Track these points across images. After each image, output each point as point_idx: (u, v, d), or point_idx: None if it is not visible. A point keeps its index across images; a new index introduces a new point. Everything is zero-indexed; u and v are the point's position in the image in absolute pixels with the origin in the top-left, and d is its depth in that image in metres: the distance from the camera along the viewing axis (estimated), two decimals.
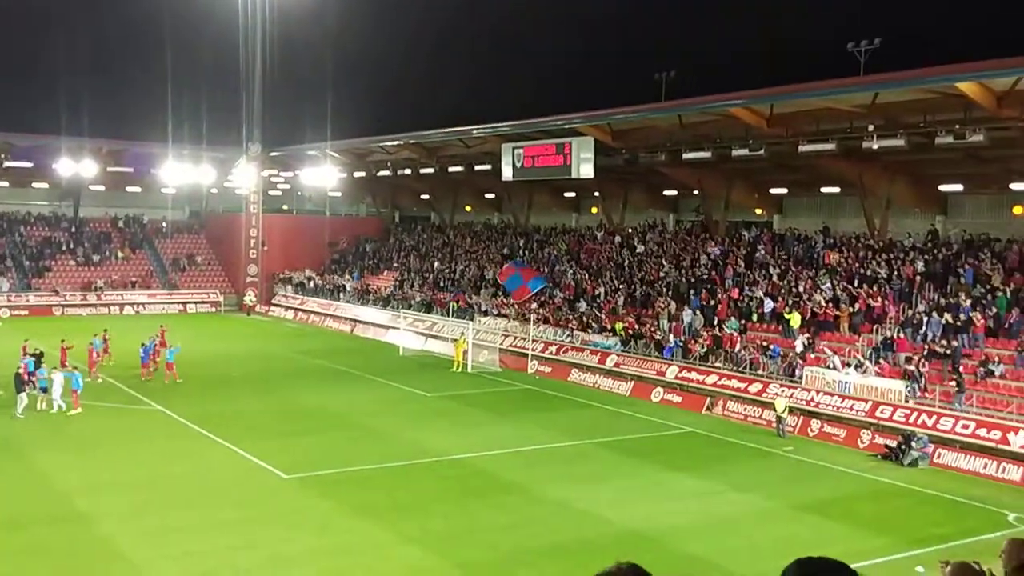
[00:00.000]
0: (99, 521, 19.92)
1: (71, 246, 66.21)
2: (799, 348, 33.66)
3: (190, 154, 63.96)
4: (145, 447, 26.57)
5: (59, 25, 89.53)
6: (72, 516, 20.22)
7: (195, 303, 65.34)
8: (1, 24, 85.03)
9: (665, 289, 42.44)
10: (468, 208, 67.41)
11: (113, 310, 61.82)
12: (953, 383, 28.77)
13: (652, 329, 39.60)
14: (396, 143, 57.74)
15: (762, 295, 38.04)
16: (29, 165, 61.45)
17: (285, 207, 77.65)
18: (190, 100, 65.58)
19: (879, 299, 34.53)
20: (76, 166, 60.44)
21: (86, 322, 54.98)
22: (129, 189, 70.04)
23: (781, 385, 32.28)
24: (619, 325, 40.45)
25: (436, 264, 59.45)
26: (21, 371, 30.79)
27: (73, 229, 68.01)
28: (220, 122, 65.78)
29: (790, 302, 36.67)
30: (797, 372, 32.55)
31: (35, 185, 67.04)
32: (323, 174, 63.91)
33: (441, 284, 55.64)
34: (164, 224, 71.63)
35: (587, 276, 47.39)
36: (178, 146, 62.29)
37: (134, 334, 40.78)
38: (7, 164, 60.50)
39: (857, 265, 37.62)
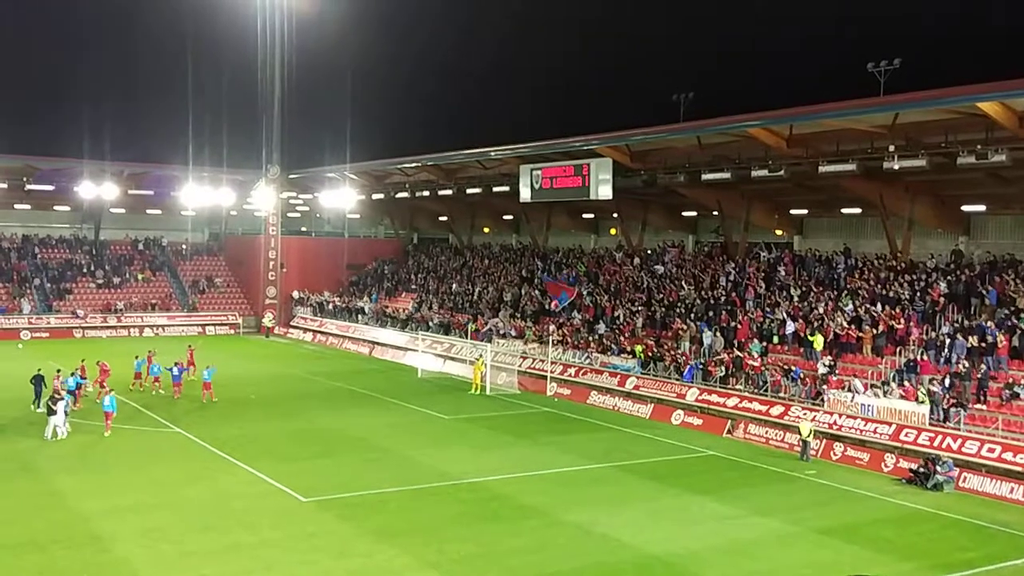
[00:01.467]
0: (116, 543, 19.84)
1: (92, 268, 66.66)
2: (821, 370, 33.30)
3: (210, 177, 64.45)
4: (163, 469, 26.51)
5: (82, 51, 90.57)
6: (89, 538, 20.15)
7: (214, 325, 65.53)
8: (25, 50, 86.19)
9: (684, 311, 42.16)
10: (486, 230, 67.46)
11: (133, 332, 62.08)
12: (978, 405, 28.35)
13: (672, 351, 39.32)
14: (414, 165, 57.91)
15: (783, 317, 37.72)
16: (51, 188, 62.01)
17: (304, 229, 77.98)
18: (210, 123, 65.96)
19: (902, 321, 34.16)
20: (97, 189, 60.95)
21: (106, 344, 55.29)
22: (150, 212, 70.62)
23: (803, 408, 31.92)
24: (638, 347, 40.18)
25: (454, 286, 59.40)
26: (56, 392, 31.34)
27: (94, 251, 68.54)
28: (240, 145, 66.34)
29: (812, 324, 36.32)
30: (820, 395, 32.16)
31: (57, 208, 67.66)
32: (341, 196, 64.22)
33: (459, 306, 55.57)
34: (184, 246, 72.05)
35: (606, 298, 47.19)
36: (198, 169, 62.82)
37: (159, 356, 40.85)
38: (29, 187, 61.07)
39: (879, 286, 37.26)
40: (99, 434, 30.41)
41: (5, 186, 60.56)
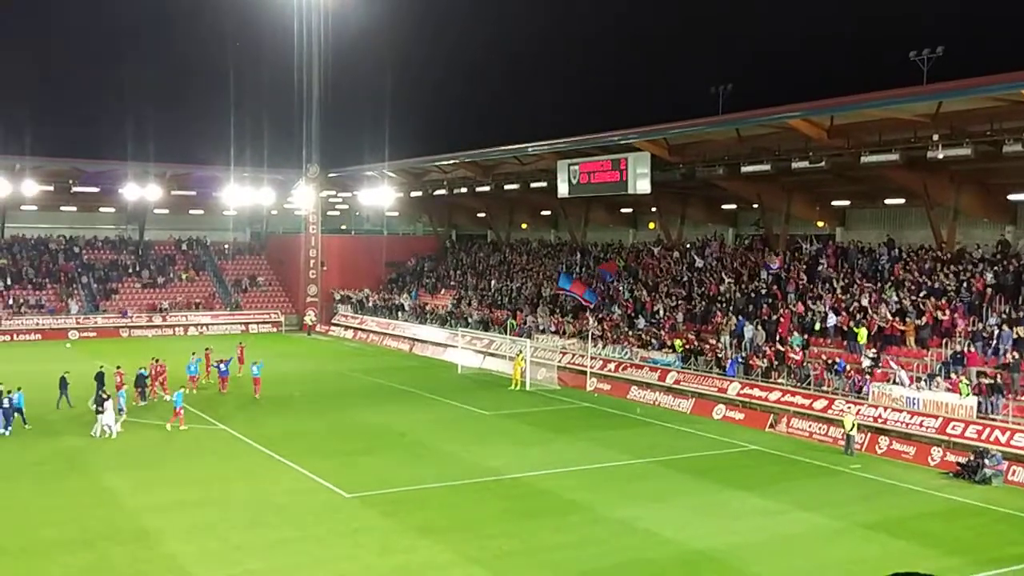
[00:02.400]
0: (164, 539, 20.19)
1: (137, 269, 67.73)
2: (865, 363, 32.91)
3: (251, 177, 65.23)
4: (209, 466, 26.91)
5: (125, 55, 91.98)
6: (138, 534, 20.53)
7: (257, 323, 66.28)
8: (70, 55, 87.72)
9: (725, 304, 41.88)
10: (524, 226, 67.47)
11: (178, 331, 62.99)
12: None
13: (713, 345, 39.07)
14: (452, 162, 58.08)
15: (826, 309, 37.31)
16: (96, 190, 63.14)
17: (343, 227, 78.57)
18: (251, 124, 66.83)
19: (947, 312, 33.64)
20: (141, 190, 61.94)
21: (152, 343, 56.16)
22: (192, 212, 71.58)
23: (847, 401, 31.58)
24: (678, 342, 40.00)
25: (493, 282, 59.51)
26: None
27: (139, 252, 69.62)
28: (280, 145, 67.06)
29: (855, 316, 35.90)
30: (864, 388, 31.79)
31: (102, 209, 68.80)
32: (380, 194, 64.63)
33: (498, 302, 55.67)
34: (226, 246, 72.95)
35: (645, 292, 46.99)
36: (239, 169, 63.65)
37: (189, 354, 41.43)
38: (75, 189, 62.19)
39: (924, 277, 36.72)
40: (147, 431, 30.94)
41: (52, 189, 61.68)
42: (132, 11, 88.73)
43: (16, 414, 31.04)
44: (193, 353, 40.92)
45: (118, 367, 35.44)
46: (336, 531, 21.00)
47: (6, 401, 30.70)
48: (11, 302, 60.62)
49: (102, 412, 30.01)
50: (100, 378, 34.73)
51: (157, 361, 38.03)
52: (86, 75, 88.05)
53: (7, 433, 30.30)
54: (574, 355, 43.68)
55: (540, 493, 24.38)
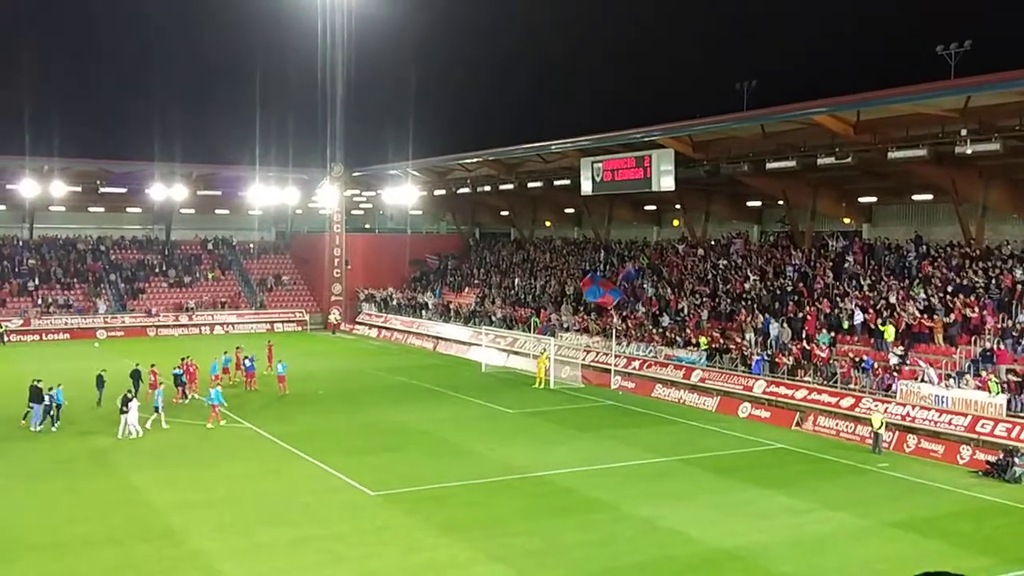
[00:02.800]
0: (190, 537, 20.32)
1: (163, 268, 68.29)
2: (893, 361, 32.57)
3: (276, 176, 65.60)
4: (234, 464, 27.07)
5: (152, 57, 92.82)
6: (164, 532, 20.68)
7: (282, 322, 66.64)
8: (97, 57, 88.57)
9: (750, 302, 41.61)
10: (548, 223, 67.39)
11: (204, 330, 63.43)
12: None
13: (739, 343, 38.82)
14: (475, 160, 58.10)
15: (852, 307, 36.97)
16: (123, 191, 63.74)
17: (367, 226, 78.82)
18: (276, 124, 67.25)
19: (976, 309, 33.23)
20: (168, 190, 62.46)
21: (178, 342, 56.59)
22: (218, 212, 72.09)
23: (875, 399, 31.27)
24: (703, 339, 39.79)
25: (517, 280, 59.47)
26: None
27: (165, 251, 70.19)
28: (304, 144, 67.41)
29: (883, 314, 35.54)
30: (893, 386, 31.46)
31: (129, 210, 69.42)
32: (404, 193, 64.79)
33: (522, 300, 55.62)
34: (251, 245, 73.39)
35: (670, 290, 46.78)
36: (264, 169, 64.03)
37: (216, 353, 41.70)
38: (103, 190, 62.78)
39: (952, 274, 36.31)
40: (174, 430, 31.18)
41: (79, 189, 62.31)
42: (159, 13, 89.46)
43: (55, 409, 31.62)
44: (225, 352, 41.38)
45: (152, 366, 35.88)
46: (360, 529, 21.05)
47: (47, 398, 31.15)
48: (40, 302, 61.30)
49: (126, 412, 30.13)
50: (136, 376, 35.33)
51: (186, 360, 38.26)
52: (113, 77, 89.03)
53: (54, 429, 30.90)
54: (598, 353, 43.56)
55: (564, 491, 24.31)
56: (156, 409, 31.57)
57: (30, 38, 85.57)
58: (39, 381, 31.70)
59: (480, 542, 20.10)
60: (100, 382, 34.99)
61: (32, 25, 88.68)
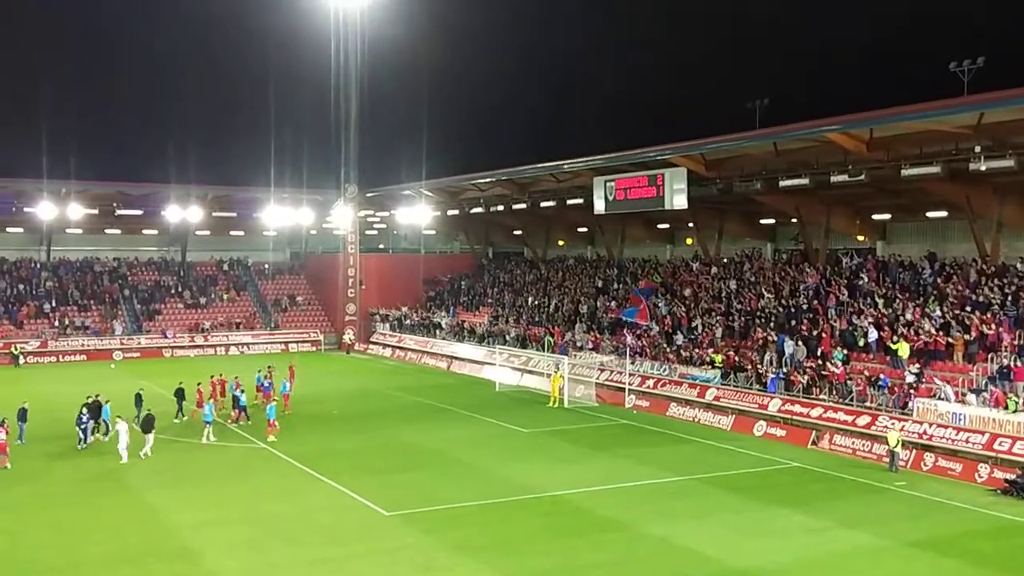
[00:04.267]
0: (206, 556, 20.36)
1: (179, 289, 68.69)
2: (909, 379, 32.41)
3: (290, 197, 66.05)
4: (250, 484, 27.12)
5: (166, 80, 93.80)
6: (180, 551, 20.73)
7: (296, 342, 66.86)
8: (113, 82, 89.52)
9: (765, 320, 41.49)
10: (561, 242, 67.47)
11: (219, 351, 63.67)
12: None
13: (753, 360, 38.70)
14: (488, 180, 58.31)
15: (867, 324, 36.82)
16: (140, 213, 64.30)
17: (381, 246, 79.11)
18: (290, 145, 67.81)
19: (993, 326, 33.05)
20: (183, 212, 62.95)
21: (194, 363, 56.81)
22: (233, 233, 72.55)
23: (891, 418, 31.09)
24: (718, 357, 39.68)
25: (530, 299, 59.51)
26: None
27: (181, 273, 70.62)
28: (318, 165, 67.90)
29: (898, 331, 35.39)
30: (909, 404, 31.27)
31: (145, 232, 69.92)
32: (417, 213, 65.04)
33: (535, 319, 55.63)
34: (266, 266, 73.78)
35: (683, 308, 46.71)
36: (279, 190, 64.49)
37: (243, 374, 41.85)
38: (120, 212, 63.34)
39: (968, 291, 36.14)
40: (190, 449, 31.30)
41: (96, 212, 62.83)
42: (174, 39, 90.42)
43: (104, 423, 32.64)
44: (259, 370, 41.74)
45: (199, 383, 36.67)
46: (376, 549, 21.05)
47: (105, 411, 32.57)
48: (57, 323, 61.70)
49: (151, 431, 30.50)
50: (180, 394, 36.44)
51: (216, 377, 38.99)
52: (129, 100, 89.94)
53: (105, 439, 31.89)
54: (612, 372, 43.50)
55: (579, 511, 24.25)
56: (206, 423, 32.65)
57: (48, 63, 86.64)
58: (96, 396, 33.10)
59: (495, 562, 20.06)
60: (139, 401, 35.27)
61: (49, 50, 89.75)
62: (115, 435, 30.30)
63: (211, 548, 20.94)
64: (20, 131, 76.06)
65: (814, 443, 32.68)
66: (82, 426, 31.39)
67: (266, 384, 40.13)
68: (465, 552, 20.73)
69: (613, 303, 51.38)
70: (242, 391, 37.16)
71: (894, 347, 34.36)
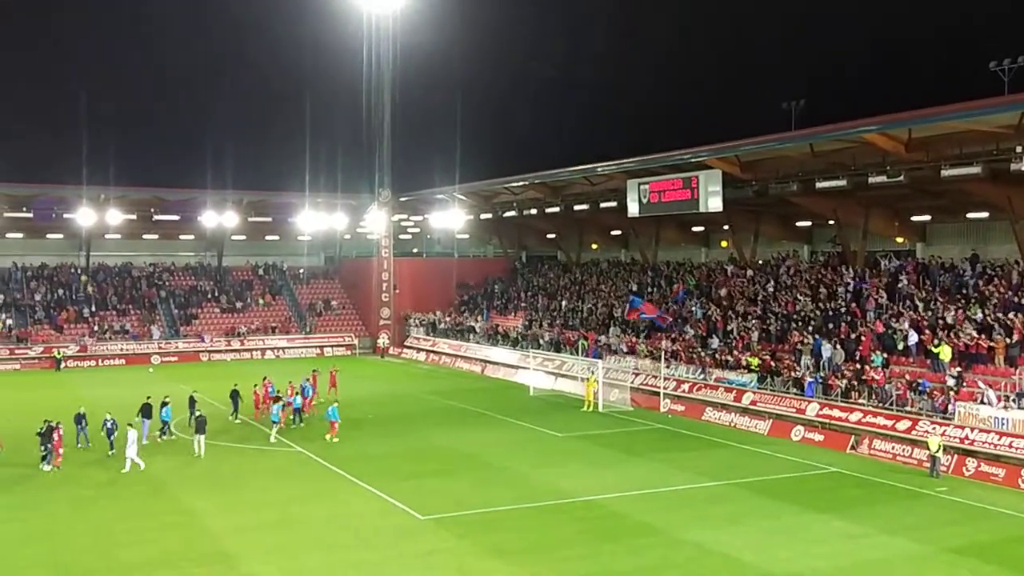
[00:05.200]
0: (243, 560, 20.46)
1: (215, 294, 69.37)
2: (950, 382, 31.89)
3: (325, 202, 66.47)
4: (286, 488, 27.24)
5: (202, 87, 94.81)
6: (218, 555, 20.85)
7: (331, 346, 67.24)
8: (151, 90, 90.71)
9: (802, 323, 41.04)
10: (594, 246, 67.29)
11: (255, 355, 64.17)
12: None
13: (791, 363, 38.29)
14: (521, 183, 58.29)
15: (907, 328, 36.29)
16: (177, 218, 64.98)
17: (415, 250, 79.38)
18: (324, 150, 68.27)
19: None
20: (220, 217, 63.57)
21: (231, 367, 57.33)
22: (268, 238, 73.16)
23: (932, 422, 30.61)
24: (754, 360, 39.30)
25: (564, 303, 59.39)
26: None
27: (218, 278, 71.30)
28: (352, 170, 68.30)
29: (939, 334, 34.84)
30: (950, 408, 30.77)
31: (182, 237, 70.73)
32: (451, 217, 65.20)
33: (569, 323, 55.49)
34: (301, 270, 74.31)
35: (718, 311, 46.34)
36: (314, 195, 64.91)
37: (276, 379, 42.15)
38: (157, 218, 64.05)
39: (1010, 293, 35.50)
40: (228, 453, 31.54)
41: (134, 217, 63.63)
42: (210, 46, 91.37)
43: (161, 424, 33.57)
44: (307, 377, 41.86)
45: (255, 385, 37.97)
46: (410, 553, 21.04)
47: (165, 412, 33.64)
48: (96, 328, 62.54)
49: (203, 432, 31.29)
50: (235, 396, 37.55)
51: (265, 380, 39.79)
52: (167, 107, 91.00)
53: (162, 439, 33.23)
54: (647, 376, 43.24)
55: (614, 515, 24.10)
56: (275, 423, 33.85)
57: (87, 71, 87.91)
58: (149, 398, 33.86)
59: (530, 567, 19.98)
60: (192, 403, 35.69)
61: (88, 58, 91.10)
62: (123, 440, 29.83)
63: (247, 552, 21.05)
64: (60, 139, 77.36)
65: (853, 448, 32.26)
66: (105, 430, 31.35)
67: (305, 387, 40.27)
68: (499, 557, 20.67)
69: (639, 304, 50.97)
70: (296, 394, 37.83)
71: (935, 350, 33.83)
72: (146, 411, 33.19)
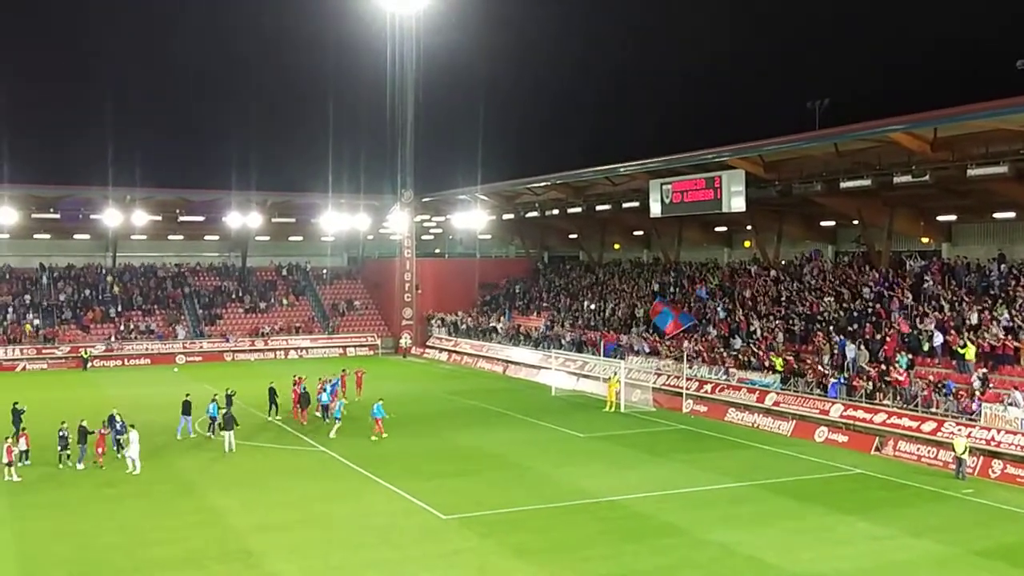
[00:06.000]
0: (267, 559, 20.61)
1: (240, 294, 69.84)
2: (976, 384, 31.60)
3: (347, 203, 66.76)
4: (309, 487, 27.40)
5: (227, 90, 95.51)
6: (242, 554, 21.01)
7: (354, 346, 67.54)
8: (176, 91, 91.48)
9: (825, 324, 40.79)
10: (616, 246, 67.18)
11: (279, 355, 64.56)
12: None
13: (814, 364, 38.08)
14: (543, 184, 58.31)
15: (932, 328, 35.99)
16: (201, 219, 65.50)
17: (437, 251, 79.58)
18: (347, 151, 68.64)
19: None
20: (244, 218, 64.02)
21: (254, 367, 57.71)
22: (292, 239, 73.60)
23: (958, 424, 30.36)
24: (778, 361, 39.11)
25: (586, 303, 59.33)
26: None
27: (241, 278, 71.79)
28: (375, 171, 68.61)
29: (964, 335, 34.53)
30: (976, 409, 30.50)
31: (207, 238, 71.31)
32: (473, 217, 65.31)
33: (591, 323, 55.43)
34: (324, 271, 74.68)
35: (741, 312, 46.16)
36: (336, 196, 65.22)
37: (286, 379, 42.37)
38: (182, 219, 64.60)
39: None
40: (252, 452, 31.78)
41: (160, 218, 64.20)
42: (234, 48, 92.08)
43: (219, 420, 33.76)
44: (336, 375, 42.45)
45: (293, 385, 38.89)
46: (433, 553, 21.11)
47: (211, 407, 34.14)
48: (122, 328, 63.14)
49: (231, 429, 31.95)
50: (272, 393, 38.35)
51: (296, 378, 40.30)
52: (192, 109, 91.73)
53: (212, 435, 33.80)
54: (669, 376, 43.14)
55: (637, 516, 24.08)
56: (336, 419, 34.87)
57: (113, 73, 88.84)
58: (189, 395, 35.12)
59: (552, 566, 20.00)
60: (228, 402, 36.17)
61: (114, 61, 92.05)
62: (127, 442, 29.65)
63: (272, 551, 21.20)
64: (87, 140, 78.23)
65: (877, 449, 32.04)
66: (115, 433, 31.26)
67: (329, 389, 40.44)
68: (522, 556, 20.70)
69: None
70: (324, 391, 38.67)
71: (961, 351, 33.53)
72: (186, 408, 34.24)
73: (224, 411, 33.06)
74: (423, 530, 22.91)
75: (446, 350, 64.21)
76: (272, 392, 38.80)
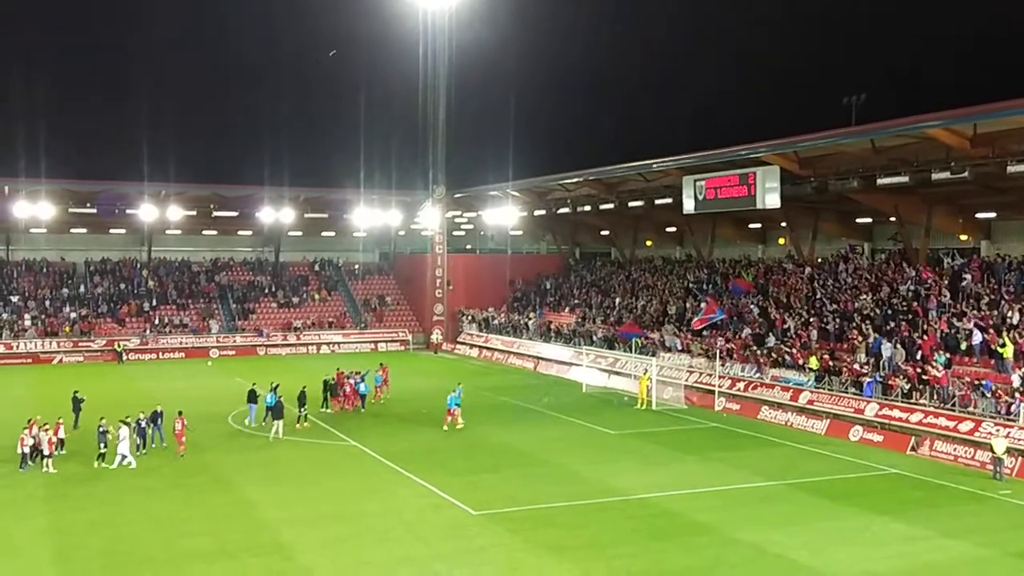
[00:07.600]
0: (299, 553, 20.73)
1: (272, 289, 70.37)
2: (1016, 383, 31.07)
3: (379, 199, 66.97)
4: (341, 481, 27.54)
5: (262, 86, 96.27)
6: (274, 547, 21.15)
7: (386, 342, 67.83)
8: (210, 87, 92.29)
9: (862, 321, 40.29)
10: (648, 243, 66.83)
11: (311, 349, 64.98)
12: None
13: (849, 362, 37.62)
14: (575, 180, 58.11)
15: (971, 327, 35.42)
16: (235, 214, 65.97)
17: (468, 247, 79.62)
18: (379, 147, 68.81)
19: None
20: (277, 214, 64.42)
21: (287, 361, 58.10)
22: (324, 234, 74.02)
23: (996, 423, 29.86)
24: (813, 360, 38.68)
25: (618, 300, 59.09)
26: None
27: (274, 273, 72.31)
28: (407, 167, 68.78)
29: (1004, 334, 33.96)
30: (1013, 409, 29.99)
31: (240, 233, 71.83)
32: (504, 213, 65.21)
33: (623, 320, 55.17)
34: (356, 266, 75.04)
35: (776, 309, 45.72)
36: (369, 191, 65.45)
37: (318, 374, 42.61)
38: (216, 214, 65.12)
39: None
40: (284, 446, 31.98)
41: (194, 213, 64.78)
42: (268, 45, 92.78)
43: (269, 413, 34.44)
44: (374, 369, 43.42)
45: (348, 378, 40.22)
46: (463, 548, 21.12)
47: (268, 398, 34.67)
48: (157, 322, 63.84)
49: (281, 417, 33.02)
50: (325, 385, 39.56)
51: (340, 371, 41.26)
52: (225, 105, 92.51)
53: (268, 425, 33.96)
54: (701, 374, 42.85)
55: (668, 514, 23.93)
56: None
57: (148, 72, 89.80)
58: (255, 384, 36.33)
59: (583, 563, 19.92)
60: (325, 388, 38.58)
61: (150, 60, 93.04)
62: (115, 440, 29.37)
63: (304, 544, 21.31)
64: (123, 136, 79.11)
65: (913, 449, 31.61)
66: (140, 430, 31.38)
67: (357, 383, 40.84)
68: (552, 553, 20.65)
69: (703, 305, 50.57)
70: (362, 381, 40.22)
71: (1000, 350, 32.98)
72: (251, 397, 35.50)
73: (276, 402, 33.94)
74: (453, 526, 22.92)
75: (477, 346, 64.26)
76: (325, 385, 39.67)
